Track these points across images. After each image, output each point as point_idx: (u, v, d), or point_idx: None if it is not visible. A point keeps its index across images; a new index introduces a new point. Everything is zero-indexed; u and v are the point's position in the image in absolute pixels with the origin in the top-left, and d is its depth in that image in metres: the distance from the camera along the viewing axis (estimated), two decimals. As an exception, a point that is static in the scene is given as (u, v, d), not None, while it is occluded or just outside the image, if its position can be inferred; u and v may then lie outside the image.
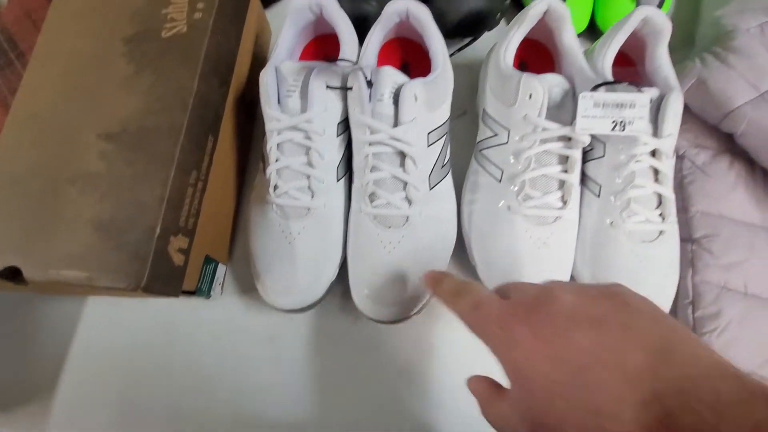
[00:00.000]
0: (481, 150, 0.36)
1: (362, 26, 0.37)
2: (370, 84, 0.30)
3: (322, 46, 0.40)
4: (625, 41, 0.36)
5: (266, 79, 0.31)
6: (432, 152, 0.33)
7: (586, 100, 0.29)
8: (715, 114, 0.38)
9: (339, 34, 0.34)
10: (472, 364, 0.36)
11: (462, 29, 0.42)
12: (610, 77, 0.33)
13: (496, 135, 0.34)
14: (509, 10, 0.46)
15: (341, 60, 0.32)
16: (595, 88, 0.30)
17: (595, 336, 0.18)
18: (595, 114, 0.29)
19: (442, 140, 0.34)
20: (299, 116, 0.31)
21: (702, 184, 0.38)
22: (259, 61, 0.41)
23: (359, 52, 0.35)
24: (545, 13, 0.34)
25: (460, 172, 0.38)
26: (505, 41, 0.34)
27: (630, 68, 0.39)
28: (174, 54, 0.31)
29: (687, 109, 0.40)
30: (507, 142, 0.33)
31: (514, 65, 0.41)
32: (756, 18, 0.40)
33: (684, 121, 0.41)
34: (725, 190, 0.38)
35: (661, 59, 0.34)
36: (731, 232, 0.37)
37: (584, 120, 0.29)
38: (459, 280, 0.25)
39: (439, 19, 0.41)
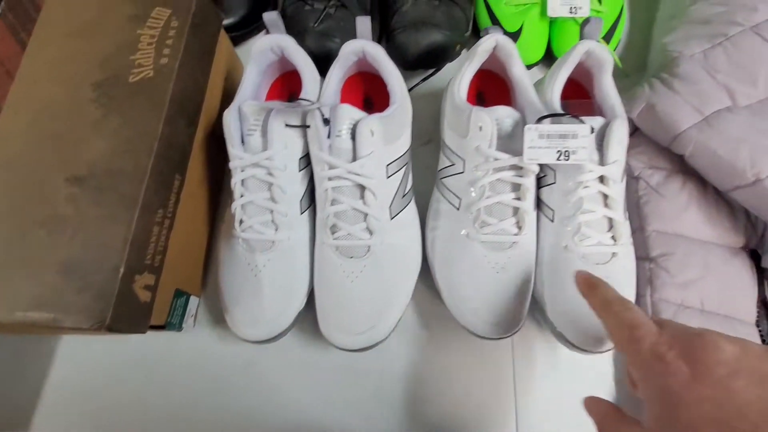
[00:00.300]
0: (441, 179, 0.37)
1: (328, 62, 0.39)
2: (327, 122, 0.32)
3: (288, 83, 0.41)
4: (576, 72, 0.38)
5: (229, 119, 0.33)
6: (392, 183, 0.35)
7: (531, 132, 0.31)
8: (665, 137, 0.39)
9: (300, 73, 0.36)
10: (443, 387, 0.37)
11: (424, 62, 0.44)
12: (558, 108, 0.34)
13: (453, 164, 0.36)
14: (470, 40, 0.48)
15: (301, 99, 0.33)
16: (540, 120, 0.31)
17: (761, 392, 0.19)
18: (540, 145, 0.31)
19: (402, 170, 0.36)
20: (260, 154, 0.32)
21: (657, 205, 0.40)
22: (230, 98, 0.43)
23: (321, 89, 0.36)
24: (495, 48, 0.36)
25: (427, 197, 0.39)
26: (458, 76, 0.36)
27: (585, 99, 0.41)
28: (141, 98, 0.33)
29: (641, 132, 0.42)
30: (463, 172, 0.35)
31: (473, 96, 0.43)
32: (700, 45, 0.42)
33: (638, 144, 0.43)
34: (679, 210, 0.40)
35: (606, 88, 0.36)
36: (686, 251, 0.38)
37: (531, 150, 0.31)
38: (615, 292, 0.26)
39: (401, 53, 0.43)
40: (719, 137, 0.37)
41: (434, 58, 0.44)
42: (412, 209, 0.37)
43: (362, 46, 0.35)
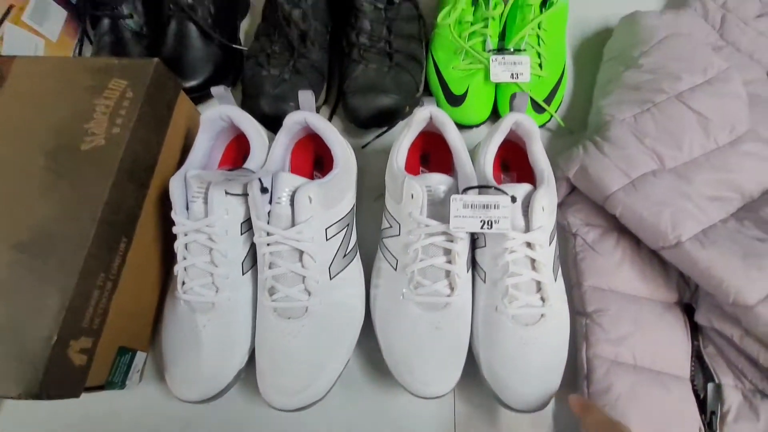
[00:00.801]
0: (382, 238, 0.39)
1: (281, 123, 0.42)
2: (265, 190, 0.33)
3: (242, 145, 0.43)
4: (512, 137, 0.40)
5: (174, 186, 0.35)
6: (331, 245, 0.36)
7: (456, 202, 0.33)
8: (598, 197, 0.42)
9: (249, 140, 0.38)
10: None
11: (375, 122, 0.47)
12: (490, 175, 0.37)
13: (391, 227, 0.37)
14: (423, 97, 0.51)
15: (244, 168, 0.35)
16: (465, 190, 0.33)
17: None
18: (465, 214, 0.33)
19: (344, 231, 0.37)
20: (202, 221, 0.34)
21: (592, 261, 0.42)
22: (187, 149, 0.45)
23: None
24: (430, 118, 0.38)
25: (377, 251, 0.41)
26: (396, 144, 0.38)
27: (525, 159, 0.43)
28: (90, 166, 0.34)
29: (579, 190, 0.45)
30: (399, 235, 0.36)
31: (417, 158, 0.45)
32: (631, 109, 0.45)
33: (576, 201, 0.45)
34: (613, 266, 0.41)
35: (535, 156, 0.38)
36: (619, 307, 0.40)
37: (456, 219, 0.33)
38: (608, 416, 0.31)
39: (353, 115, 0.46)
40: (644, 201, 0.39)
41: (385, 119, 0.47)
42: (355, 266, 0.39)
43: (305, 117, 0.37)
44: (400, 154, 0.37)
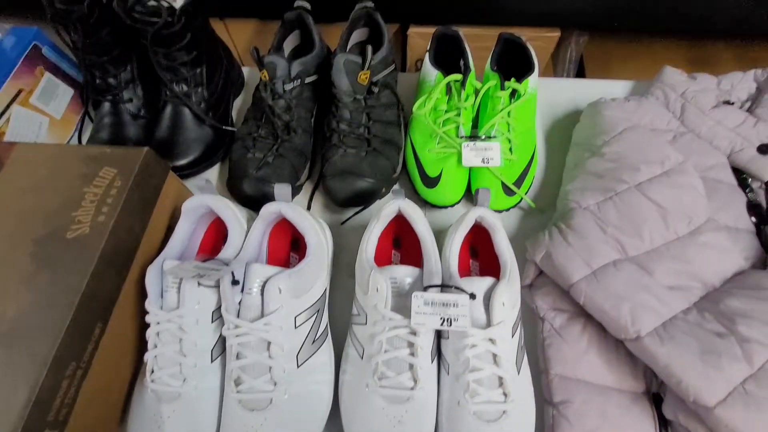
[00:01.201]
0: (351, 324, 0.40)
1: (265, 201, 0.44)
2: (236, 282, 0.35)
3: (221, 228, 0.46)
4: (476, 231, 0.42)
5: (150, 276, 0.36)
6: (300, 333, 0.37)
7: (417, 299, 0.34)
8: (562, 284, 0.43)
9: (227, 227, 0.40)
10: None
11: (352, 203, 0.49)
12: (454, 269, 0.38)
13: (359, 315, 0.39)
14: (400, 178, 0.54)
15: (217, 259, 0.37)
16: (427, 288, 0.35)
17: None
18: (426, 311, 0.34)
19: (313, 318, 0.39)
20: (173, 312, 0.35)
21: (559, 348, 0.42)
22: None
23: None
24: (399, 210, 0.40)
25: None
26: (366, 235, 0.40)
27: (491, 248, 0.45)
28: (72, 254, 0.36)
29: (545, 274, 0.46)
30: (366, 324, 0.37)
31: (390, 241, 0.47)
32: (594, 197, 0.47)
33: (544, 284, 0.47)
34: (579, 354, 0.42)
35: (500, 248, 0.40)
36: (585, 398, 0.40)
37: (417, 316, 0.34)
38: None
39: (331, 196, 0.48)
40: (604, 292, 0.40)
41: (361, 201, 0.49)
42: (325, 351, 0.40)
43: (279, 209, 0.39)
44: (369, 246, 0.39)
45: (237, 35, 0.84)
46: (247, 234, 0.40)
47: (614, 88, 0.62)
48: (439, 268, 0.38)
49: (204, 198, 0.40)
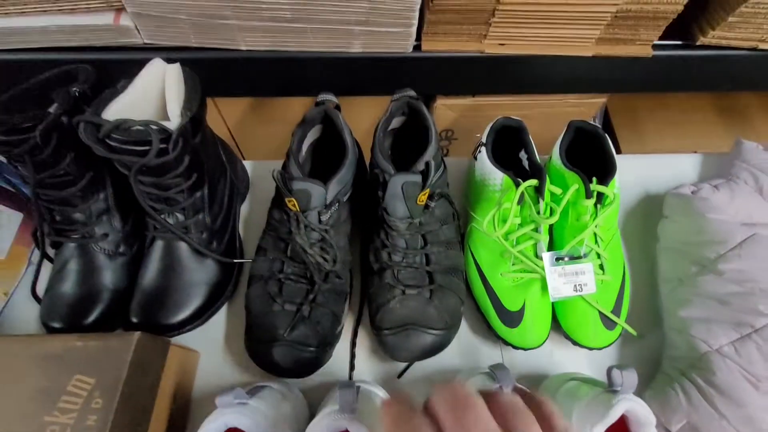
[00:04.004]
0: None
1: (304, 371, 0.35)
2: None
3: None
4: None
5: None
6: None
7: None
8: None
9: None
10: None
11: (417, 359, 0.37)
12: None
13: None
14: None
15: None
16: None
17: None
18: None
19: None
20: None
21: None
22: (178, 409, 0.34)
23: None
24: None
25: None
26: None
27: None
28: None
29: None
30: None
31: None
32: (726, 334, 0.37)
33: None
34: None
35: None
36: None
37: None
38: None
39: (392, 354, 0.37)
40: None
41: (429, 355, 0.37)
42: None
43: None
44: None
45: (226, 109, 0.72)
46: None
47: (672, 161, 0.54)
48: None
49: (228, 418, 0.27)
